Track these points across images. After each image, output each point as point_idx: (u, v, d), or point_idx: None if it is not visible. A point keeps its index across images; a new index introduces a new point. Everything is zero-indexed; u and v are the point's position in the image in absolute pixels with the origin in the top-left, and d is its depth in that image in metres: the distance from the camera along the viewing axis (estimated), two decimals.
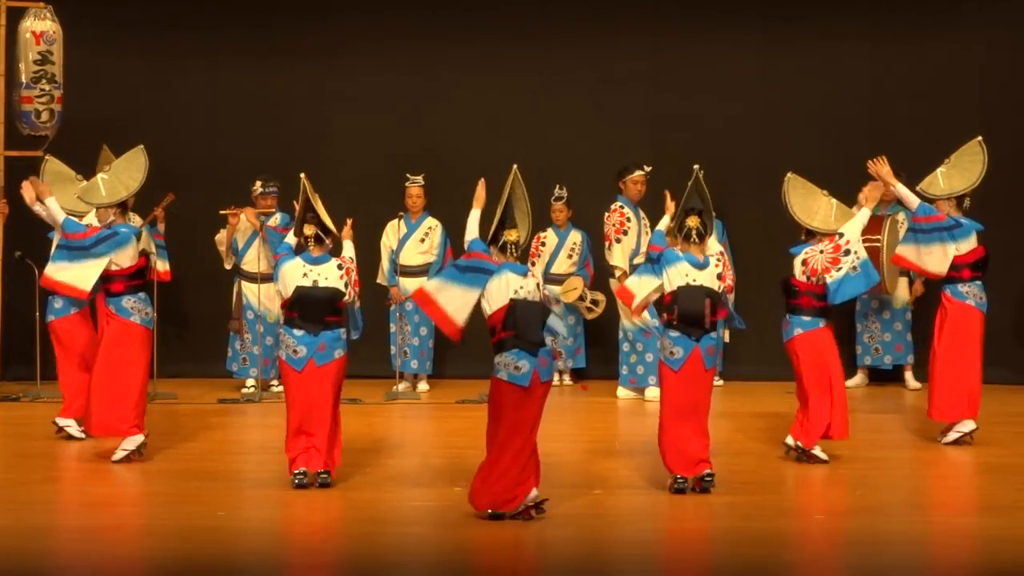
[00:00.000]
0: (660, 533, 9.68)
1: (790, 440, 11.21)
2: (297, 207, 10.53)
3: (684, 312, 10.20)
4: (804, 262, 11.11)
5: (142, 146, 11.61)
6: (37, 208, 11.37)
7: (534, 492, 9.54)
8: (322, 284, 10.32)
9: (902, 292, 14.63)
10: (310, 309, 10.32)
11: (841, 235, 11.06)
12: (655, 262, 10.34)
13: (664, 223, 10.69)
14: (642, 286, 10.42)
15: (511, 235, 9.73)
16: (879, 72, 15.23)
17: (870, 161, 11.69)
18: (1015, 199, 14.71)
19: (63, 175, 12.55)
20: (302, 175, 10.52)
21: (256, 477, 11.04)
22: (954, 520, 9.89)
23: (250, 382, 14.39)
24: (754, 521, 9.66)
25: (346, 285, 10.36)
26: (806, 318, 11.11)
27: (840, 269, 11.03)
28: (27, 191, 11.34)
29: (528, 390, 9.48)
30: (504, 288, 9.55)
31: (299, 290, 10.32)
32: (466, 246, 9.79)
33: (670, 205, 10.72)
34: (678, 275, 10.23)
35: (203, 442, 12.03)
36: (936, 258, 11.74)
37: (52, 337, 12.34)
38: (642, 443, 11.40)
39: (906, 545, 9.21)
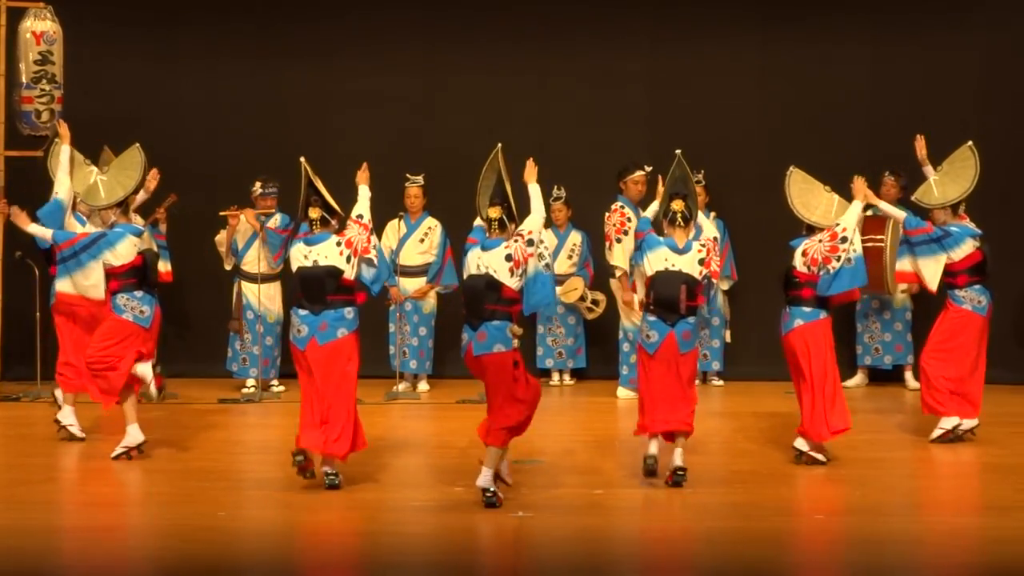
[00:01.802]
0: (660, 532, 9.68)
1: (801, 444, 11.14)
2: (300, 192, 10.55)
3: (659, 297, 10.34)
4: (804, 252, 11.11)
5: (138, 145, 11.65)
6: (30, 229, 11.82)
7: (482, 478, 9.81)
8: (321, 263, 10.30)
9: (902, 292, 14.64)
10: (310, 288, 10.31)
11: (838, 224, 11.10)
12: (640, 249, 10.51)
13: (652, 209, 10.81)
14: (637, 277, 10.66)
15: (493, 212, 10.04)
16: (879, 72, 15.23)
17: (856, 177, 11.61)
18: (1014, 200, 14.71)
19: (74, 161, 12.51)
20: (302, 159, 10.52)
21: (256, 477, 11.04)
22: (954, 520, 9.89)
23: (250, 382, 14.39)
24: (754, 521, 9.66)
25: (348, 259, 10.31)
26: (807, 309, 11.07)
27: (839, 259, 11.05)
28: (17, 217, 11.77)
29: (466, 360, 9.99)
30: (470, 265, 10.04)
31: (300, 271, 10.37)
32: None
33: (660, 191, 10.87)
34: (658, 260, 10.38)
35: (203, 442, 12.03)
36: (930, 271, 11.80)
37: (54, 313, 12.28)
38: (642, 443, 11.37)
39: (906, 545, 9.21)
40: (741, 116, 15.28)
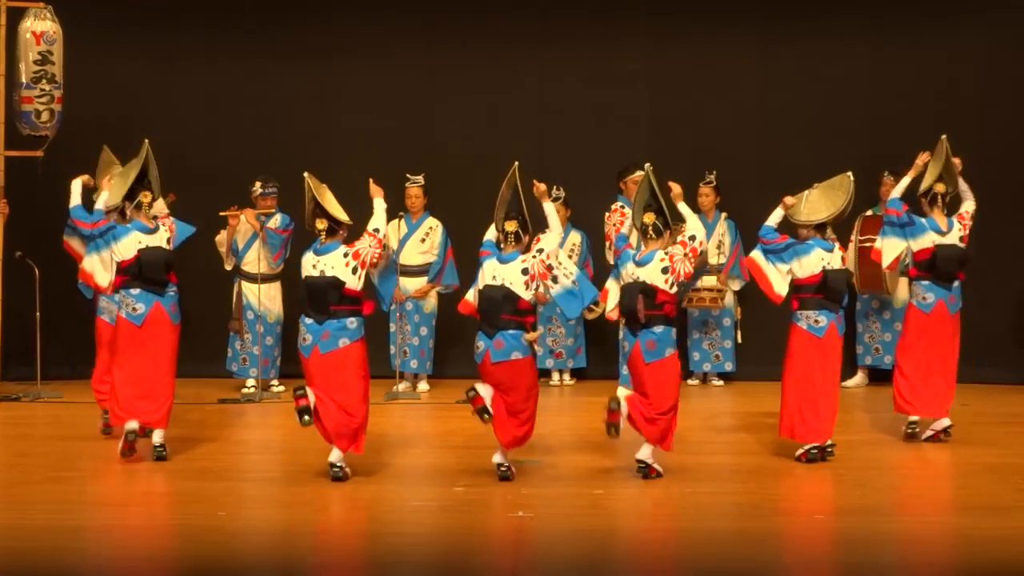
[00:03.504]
0: (660, 533, 9.69)
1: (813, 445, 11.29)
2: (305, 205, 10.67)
3: (622, 308, 10.65)
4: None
5: (147, 144, 11.71)
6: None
7: (497, 456, 10.47)
8: (328, 273, 10.45)
9: (902, 292, 14.63)
10: (314, 298, 10.48)
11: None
12: (616, 267, 10.86)
13: (626, 227, 11.17)
14: (612, 290, 10.95)
15: (510, 226, 10.49)
16: (879, 72, 15.24)
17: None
18: (1012, 199, 14.70)
19: (113, 164, 12.60)
20: (305, 174, 10.62)
21: (256, 477, 11.05)
22: (954, 520, 9.89)
23: (250, 382, 14.40)
24: (754, 521, 9.66)
25: (354, 271, 10.46)
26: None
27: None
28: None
29: (482, 367, 10.41)
30: (485, 275, 10.46)
31: (305, 280, 10.52)
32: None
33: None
34: (626, 274, 10.64)
35: (203, 442, 12.03)
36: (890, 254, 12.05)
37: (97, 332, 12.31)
38: (642, 443, 11.37)
39: (905, 545, 9.21)
40: (741, 116, 15.28)
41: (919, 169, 11.79)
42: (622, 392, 10.69)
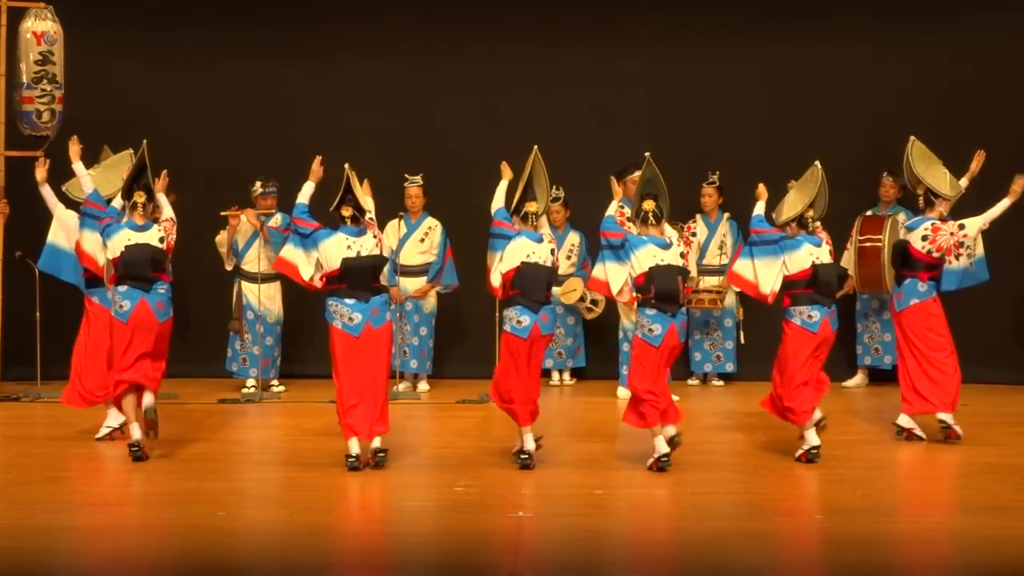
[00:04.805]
0: (659, 532, 9.69)
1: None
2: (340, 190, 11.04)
3: (661, 291, 10.77)
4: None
5: (131, 151, 11.75)
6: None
7: (528, 439, 10.86)
8: (364, 254, 10.86)
9: None
10: (359, 278, 10.88)
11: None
12: (618, 248, 10.92)
13: (613, 208, 11.21)
14: (613, 273, 10.97)
15: (532, 207, 10.97)
16: (879, 72, 15.23)
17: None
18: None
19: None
20: (346, 165, 11.00)
21: (256, 477, 11.05)
22: (954, 520, 9.90)
23: (250, 382, 14.39)
24: (754, 521, 9.66)
25: (382, 252, 11.07)
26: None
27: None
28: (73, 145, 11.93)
29: (527, 341, 10.78)
30: (518, 251, 10.85)
31: (347, 261, 10.87)
32: (492, 212, 11.05)
33: (617, 191, 11.38)
34: (647, 256, 10.81)
35: (203, 442, 12.03)
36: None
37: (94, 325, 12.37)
38: (642, 443, 11.38)
39: (906, 545, 9.21)
40: (741, 116, 15.28)
41: (1016, 195, 11.98)
42: (671, 430, 10.86)
